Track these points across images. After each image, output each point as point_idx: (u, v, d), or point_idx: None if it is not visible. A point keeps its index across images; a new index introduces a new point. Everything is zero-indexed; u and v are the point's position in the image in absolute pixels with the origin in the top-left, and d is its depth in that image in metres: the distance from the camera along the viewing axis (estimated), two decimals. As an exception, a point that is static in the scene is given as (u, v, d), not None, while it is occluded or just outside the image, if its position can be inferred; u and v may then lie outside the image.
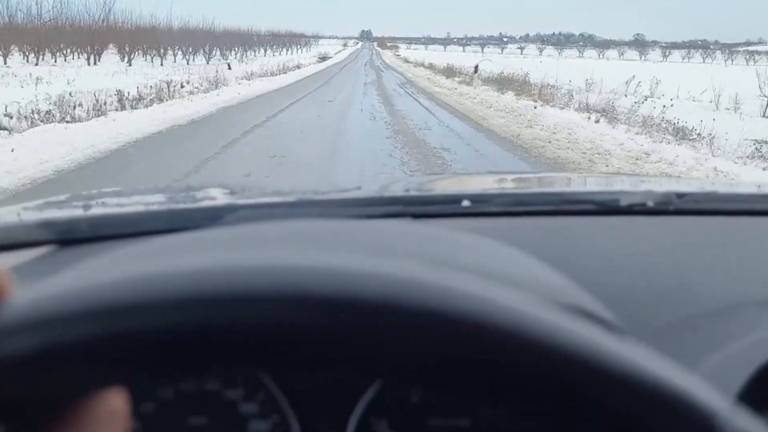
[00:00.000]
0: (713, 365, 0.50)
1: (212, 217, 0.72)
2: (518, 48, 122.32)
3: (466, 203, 0.75)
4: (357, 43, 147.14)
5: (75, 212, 0.84)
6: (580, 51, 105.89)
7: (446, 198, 0.85)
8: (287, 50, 71.64)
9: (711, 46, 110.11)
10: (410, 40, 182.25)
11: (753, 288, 0.63)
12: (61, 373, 0.25)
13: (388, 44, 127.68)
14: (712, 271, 0.66)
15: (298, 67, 34.43)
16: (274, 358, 0.25)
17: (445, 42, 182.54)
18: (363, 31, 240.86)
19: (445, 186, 1.19)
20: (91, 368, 0.25)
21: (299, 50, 76.82)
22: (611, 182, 1.32)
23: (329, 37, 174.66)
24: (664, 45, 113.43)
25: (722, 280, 0.64)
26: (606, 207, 0.77)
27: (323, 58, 52.40)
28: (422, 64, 38.43)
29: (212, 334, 0.25)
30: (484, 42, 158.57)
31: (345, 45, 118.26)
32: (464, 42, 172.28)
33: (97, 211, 0.86)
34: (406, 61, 50.08)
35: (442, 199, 0.84)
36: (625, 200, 0.77)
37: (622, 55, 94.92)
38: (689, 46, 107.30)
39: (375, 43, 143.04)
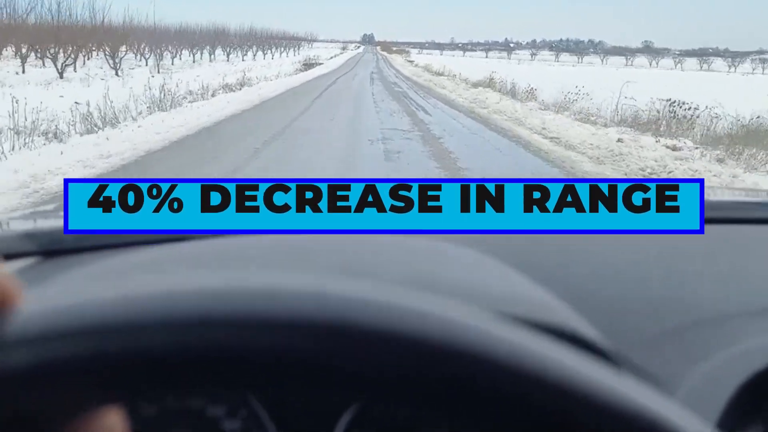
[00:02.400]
0: (702, 375, 0.50)
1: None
2: (531, 53, 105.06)
3: None
4: (358, 46, 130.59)
5: (60, 223, 0.86)
6: (628, 59, 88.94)
7: None
8: (268, 53, 54.55)
9: (722, 54, 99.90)
10: (413, 45, 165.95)
11: (743, 297, 0.63)
12: (59, 390, 0.25)
13: (394, 48, 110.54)
14: (702, 281, 0.66)
15: (240, 86, 16.99)
16: (258, 381, 0.26)
17: (451, 46, 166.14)
18: (365, 35, 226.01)
19: None
20: (90, 385, 0.25)
21: (285, 53, 59.83)
22: None
23: (330, 41, 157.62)
24: (678, 53, 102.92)
25: (712, 289, 0.64)
26: None
27: (309, 65, 35.51)
28: (481, 84, 20.42)
29: (208, 355, 0.25)
30: (489, 47, 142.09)
31: (344, 48, 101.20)
32: (469, 47, 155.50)
33: None
34: (429, 70, 33.19)
35: None
36: None
37: (679, 64, 78.03)
38: (700, 53, 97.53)
39: (378, 47, 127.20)
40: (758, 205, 0.93)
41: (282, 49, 63.39)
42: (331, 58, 54.49)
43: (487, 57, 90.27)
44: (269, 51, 56.48)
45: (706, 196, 0.94)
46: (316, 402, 0.45)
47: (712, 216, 0.81)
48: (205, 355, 0.25)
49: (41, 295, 0.28)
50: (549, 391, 0.26)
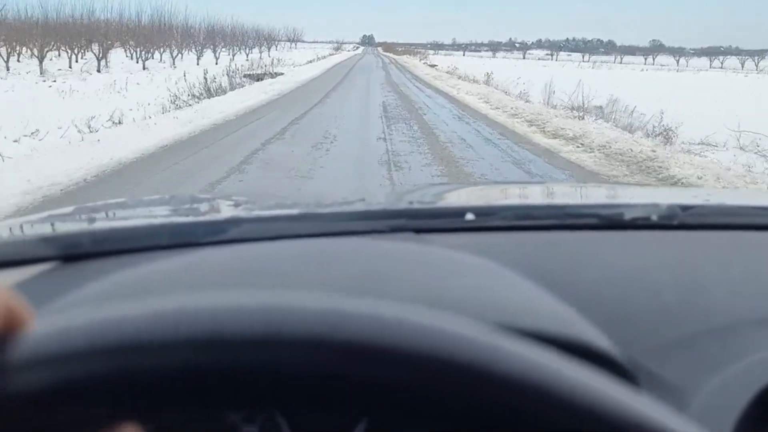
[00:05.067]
0: (717, 384, 0.50)
1: (215, 231, 0.73)
2: (583, 56, 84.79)
3: (469, 216, 0.76)
4: (357, 47, 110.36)
5: (78, 226, 0.86)
6: (713, 60, 68.94)
7: (450, 211, 0.85)
8: (209, 54, 34.10)
9: (733, 53, 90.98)
10: (415, 46, 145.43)
11: (757, 305, 0.62)
12: (75, 409, 0.25)
13: (399, 49, 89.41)
14: (715, 288, 0.66)
15: None
16: (273, 400, 0.26)
17: (454, 47, 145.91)
18: (364, 36, 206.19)
19: (449, 198, 1.18)
20: (105, 404, 0.25)
21: (247, 54, 39.24)
22: (617, 194, 1.33)
23: (327, 42, 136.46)
24: (692, 51, 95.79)
25: (725, 297, 0.64)
26: (609, 221, 0.78)
27: (257, 78, 15.12)
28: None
29: (226, 374, 0.25)
30: (494, 47, 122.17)
31: (338, 49, 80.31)
32: (476, 47, 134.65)
33: (100, 225, 0.87)
34: (521, 102, 12.85)
35: (446, 213, 0.85)
36: (629, 214, 0.77)
37: (681, 59, 58.87)
38: (711, 52, 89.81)
39: (379, 48, 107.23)
40: None
41: (244, 49, 42.90)
42: (311, 61, 33.78)
43: (524, 58, 69.69)
44: (219, 51, 36.00)
45: (719, 202, 0.95)
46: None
47: (725, 222, 0.81)
48: (225, 375, 0.25)
49: (51, 315, 0.28)
50: (559, 407, 0.26)
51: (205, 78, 14.15)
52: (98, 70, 23.04)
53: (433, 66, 35.92)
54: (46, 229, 0.86)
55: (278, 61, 27.97)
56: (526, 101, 12.74)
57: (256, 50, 45.53)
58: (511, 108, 11.48)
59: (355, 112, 10.87)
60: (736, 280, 0.67)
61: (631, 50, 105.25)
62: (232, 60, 32.40)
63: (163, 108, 11.23)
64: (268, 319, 0.27)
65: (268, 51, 48.30)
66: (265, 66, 22.99)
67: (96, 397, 0.25)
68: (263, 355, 0.26)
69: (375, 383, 0.26)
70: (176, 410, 0.26)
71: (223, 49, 39.09)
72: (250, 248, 0.60)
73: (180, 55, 34.19)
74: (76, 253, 0.69)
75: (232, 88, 15.45)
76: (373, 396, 0.26)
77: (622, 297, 0.62)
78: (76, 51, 25.38)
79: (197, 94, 13.39)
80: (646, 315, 0.59)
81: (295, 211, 0.81)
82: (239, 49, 42.36)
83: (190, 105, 11.97)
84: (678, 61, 72.42)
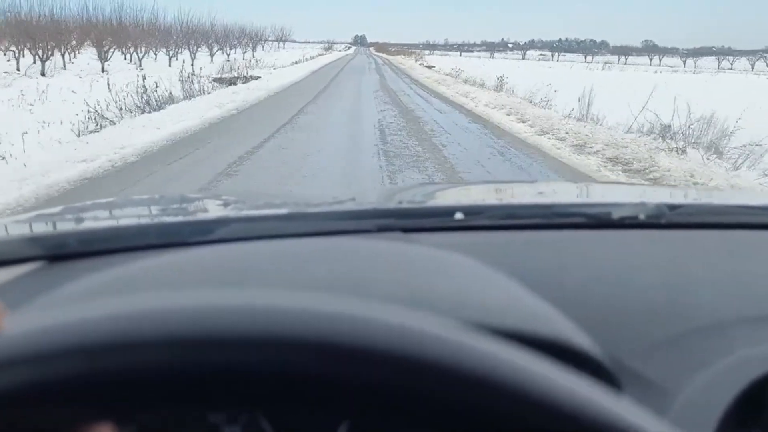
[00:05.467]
0: (701, 383, 0.50)
1: (203, 230, 0.73)
2: (584, 56, 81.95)
3: (458, 216, 0.76)
4: (348, 47, 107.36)
5: (65, 226, 0.86)
6: (702, 59, 66.28)
7: (438, 211, 0.86)
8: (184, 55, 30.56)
9: (725, 53, 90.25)
10: (408, 46, 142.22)
11: (743, 304, 0.62)
12: (49, 408, 0.25)
13: (392, 49, 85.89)
14: (702, 287, 0.66)
15: None
16: (251, 399, 0.26)
17: (446, 47, 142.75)
18: (356, 36, 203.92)
19: (438, 197, 1.18)
20: (79, 403, 0.25)
21: (229, 54, 35.77)
22: (605, 193, 1.33)
23: (319, 42, 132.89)
24: (685, 52, 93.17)
25: (712, 296, 0.64)
26: (597, 220, 0.78)
27: (231, 81, 11.51)
28: None
29: (195, 374, 0.25)
30: (487, 47, 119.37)
31: (328, 49, 76.81)
32: (469, 47, 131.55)
33: (87, 225, 0.87)
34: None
35: (434, 212, 0.85)
36: (617, 213, 0.78)
37: (687, 60, 56.39)
38: (705, 53, 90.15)
39: (372, 48, 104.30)
40: (759, 209, 0.91)
41: (225, 49, 39.34)
42: (296, 62, 30.35)
43: (524, 59, 66.40)
44: (196, 51, 32.47)
45: (707, 201, 0.96)
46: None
47: (712, 221, 0.82)
48: (195, 375, 0.25)
49: (28, 313, 0.28)
50: (525, 405, 0.26)
51: (144, 86, 10.63)
52: (42, 73, 19.53)
53: (430, 67, 32.55)
54: (33, 229, 0.84)
55: (257, 62, 24.45)
56: (578, 119, 9.33)
57: (239, 50, 41.98)
58: (566, 133, 8.11)
59: (337, 145, 7.42)
60: (723, 279, 0.68)
61: (625, 50, 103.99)
62: (210, 61, 28.94)
63: (79, 130, 7.86)
64: (248, 318, 0.26)
65: (253, 51, 44.73)
66: (238, 69, 19.47)
67: (70, 397, 0.25)
68: (239, 354, 0.25)
69: (354, 383, 0.26)
70: (154, 410, 0.26)
71: (203, 49, 35.55)
72: (236, 247, 0.59)
73: (154, 55, 30.66)
74: (63, 253, 0.68)
75: (189, 98, 12.03)
76: (352, 397, 0.26)
77: (609, 296, 0.62)
78: (33, 52, 21.87)
79: (132, 108, 9.97)
80: (632, 314, 0.58)
81: (283, 211, 0.80)
82: (220, 49, 38.76)
83: (106, 125, 8.55)
84: (685, 62, 69.89)
